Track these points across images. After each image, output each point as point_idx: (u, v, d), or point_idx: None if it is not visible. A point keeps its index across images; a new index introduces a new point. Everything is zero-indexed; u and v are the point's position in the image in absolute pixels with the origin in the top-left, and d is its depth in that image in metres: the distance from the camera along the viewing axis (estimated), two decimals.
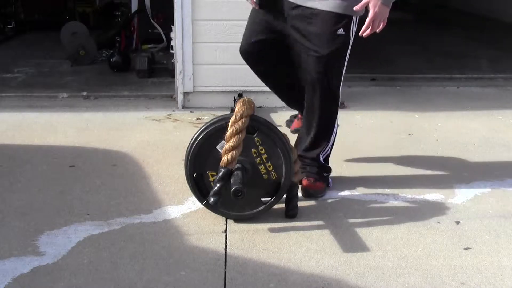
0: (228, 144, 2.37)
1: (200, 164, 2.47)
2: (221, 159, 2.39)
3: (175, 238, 2.39)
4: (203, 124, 2.54)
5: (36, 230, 2.43)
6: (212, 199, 2.36)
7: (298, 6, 2.60)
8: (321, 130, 2.76)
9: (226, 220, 2.52)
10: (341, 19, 2.57)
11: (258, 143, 2.43)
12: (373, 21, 2.50)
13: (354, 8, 2.51)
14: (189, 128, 3.77)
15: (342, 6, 2.55)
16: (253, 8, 2.75)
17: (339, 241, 2.36)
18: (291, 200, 2.54)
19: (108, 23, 6.83)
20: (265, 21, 2.72)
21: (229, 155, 2.37)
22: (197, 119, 3.95)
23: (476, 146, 3.50)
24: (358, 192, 2.83)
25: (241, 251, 2.29)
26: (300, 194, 2.70)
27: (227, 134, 2.38)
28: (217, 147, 2.44)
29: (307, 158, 2.80)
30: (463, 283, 2.08)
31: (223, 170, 2.37)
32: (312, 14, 2.57)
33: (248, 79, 4.03)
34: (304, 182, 2.77)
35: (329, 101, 2.70)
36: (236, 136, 2.37)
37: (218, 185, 2.36)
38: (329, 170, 2.87)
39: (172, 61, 4.61)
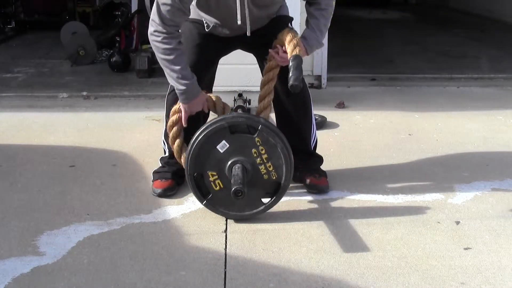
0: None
1: (200, 164, 2.47)
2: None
3: (175, 238, 2.38)
4: (203, 124, 2.54)
5: (36, 230, 2.43)
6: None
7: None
8: (310, 118, 2.85)
9: (226, 220, 2.52)
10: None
11: (258, 143, 2.43)
12: None
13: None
14: None
15: None
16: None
17: (339, 241, 2.36)
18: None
19: (108, 23, 6.83)
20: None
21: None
22: None
23: (476, 146, 3.50)
24: (358, 192, 2.83)
25: (241, 251, 2.29)
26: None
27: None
28: (217, 147, 2.44)
29: (305, 154, 2.84)
30: (463, 283, 2.08)
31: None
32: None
33: (248, 79, 4.03)
34: (311, 180, 2.80)
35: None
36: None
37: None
38: (322, 160, 2.95)
39: None
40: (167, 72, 2.51)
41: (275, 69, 2.60)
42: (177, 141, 2.62)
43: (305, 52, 2.55)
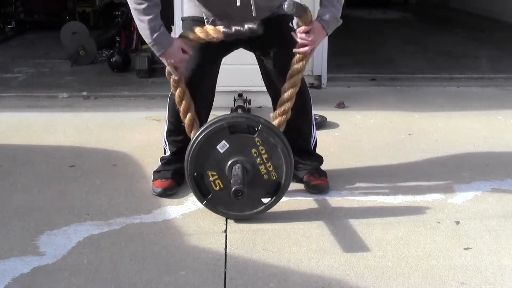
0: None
1: (200, 164, 2.47)
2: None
3: (175, 238, 2.39)
4: (203, 124, 2.54)
5: (36, 230, 2.43)
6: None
7: None
8: (310, 118, 2.85)
9: (226, 220, 2.52)
10: None
11: (258, 143, 2.43)
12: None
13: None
14: None
15: None
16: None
17: (339, 241, 2.37)
18: None
19: (108, 23, 6.83)
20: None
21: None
22: None
23: (476, 146, 3.50)
24: (358, 192, 2.83)
25: (241, 251, 2.29)
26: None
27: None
28: (217, 147, 2.44)
29: (305, 154, 2.84)
30: (463, 283, 2.08)
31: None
32: None
33: (248, 79, 4.04)
34: (311, 180, 2.80)
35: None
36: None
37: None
38: (322, 160, 2.94)
39: None
40: (137, 23, 2.47)
41: (297, 75, 2.55)
42: (189, 115, 2.59)
43: (323, 29, 2.50)
